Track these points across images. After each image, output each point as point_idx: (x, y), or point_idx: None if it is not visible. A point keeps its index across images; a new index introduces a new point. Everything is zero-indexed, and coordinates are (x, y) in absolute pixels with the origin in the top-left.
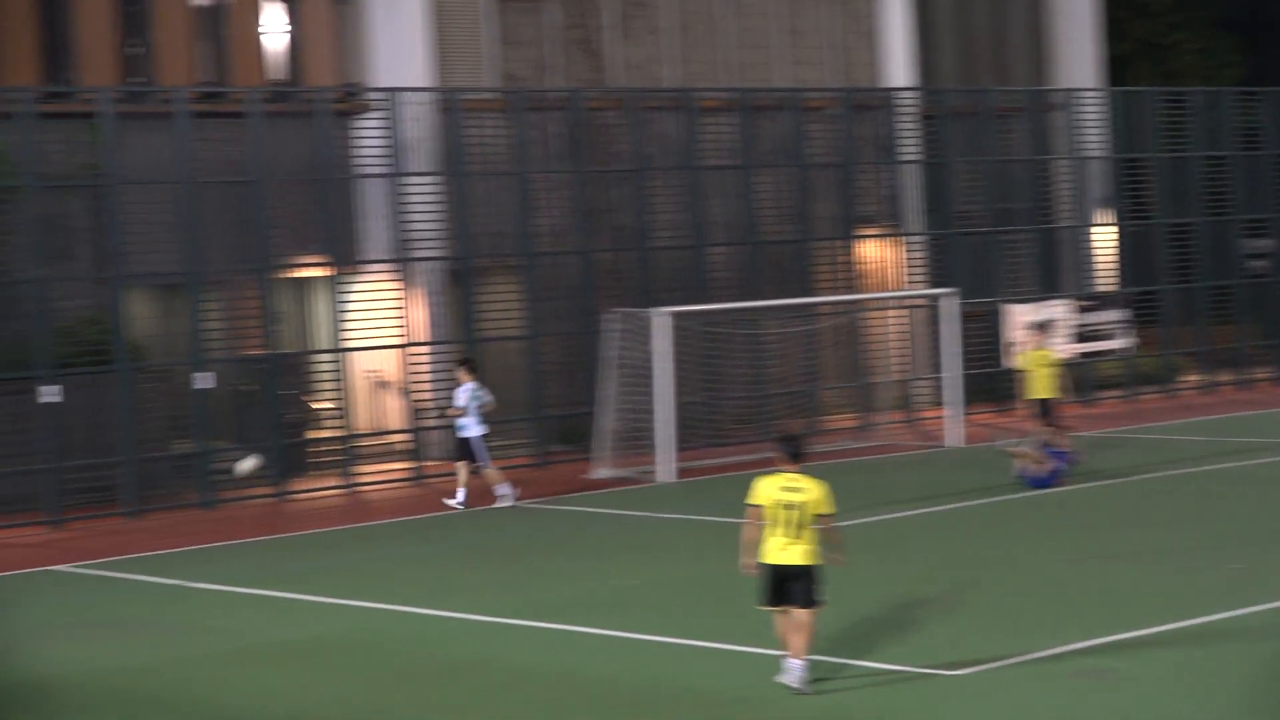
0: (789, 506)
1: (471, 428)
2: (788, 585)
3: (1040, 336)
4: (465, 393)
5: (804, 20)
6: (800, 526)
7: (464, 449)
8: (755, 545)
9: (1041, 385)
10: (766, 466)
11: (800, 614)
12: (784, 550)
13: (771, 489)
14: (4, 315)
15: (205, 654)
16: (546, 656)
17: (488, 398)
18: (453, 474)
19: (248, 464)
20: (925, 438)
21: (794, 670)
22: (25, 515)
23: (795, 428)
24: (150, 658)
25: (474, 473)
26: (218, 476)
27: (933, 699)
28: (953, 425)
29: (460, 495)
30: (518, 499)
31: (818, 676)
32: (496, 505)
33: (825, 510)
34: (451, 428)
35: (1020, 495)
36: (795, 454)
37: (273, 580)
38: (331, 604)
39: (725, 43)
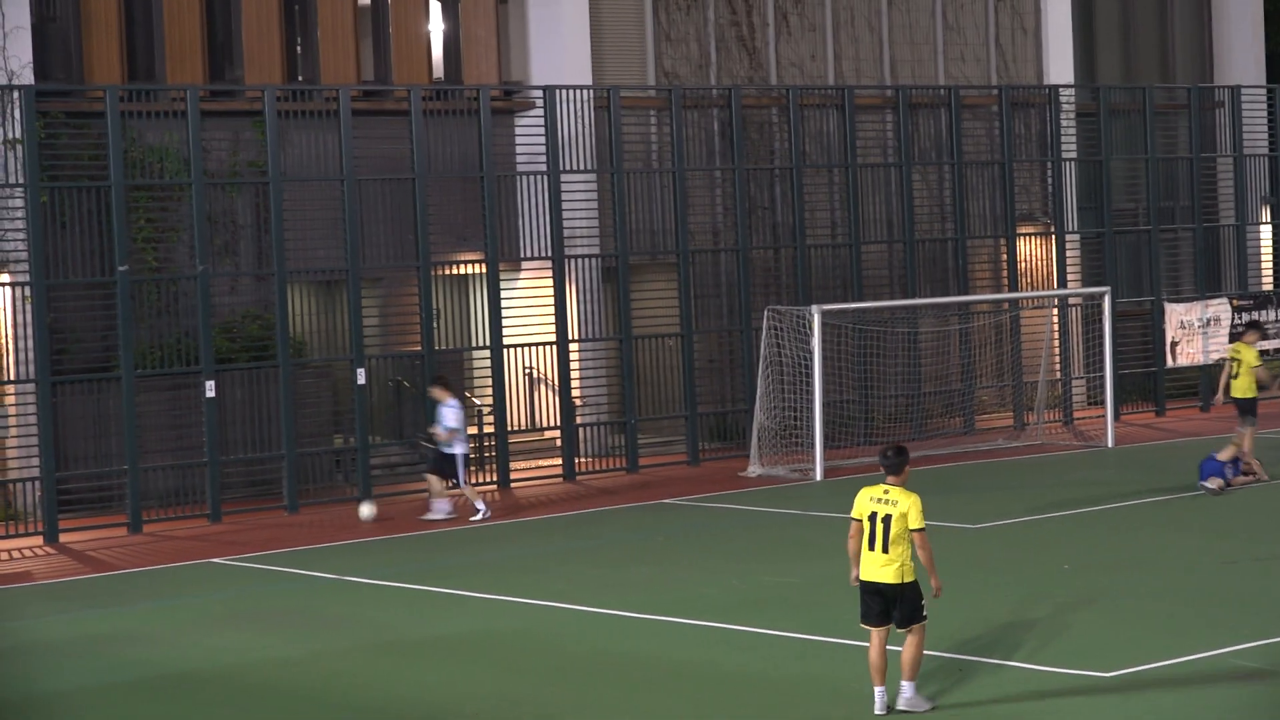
0: (881, 519)
1: (457, 444)
2: (884, 603)
3: (1254, 335)
4: (453, 411)
5: (963, 16)
6: (892, 541)
7: (445, 465)
8: (858, 558)
9: (1246, 385)
10: (920, 465)
11: (903, 633)
12: (879, 566)
13: (865, 500)
14: (168, 311)
15: (355, 647)
16: (696, 653)
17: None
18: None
19: (366, 510)
20: (1081, 437)
21: (904, 694)
22: (185, 508)
23: (899, 443)
24: (301, 650)
25: (451, 487)
26: (376, 471)
27: (1087, 701)
28: (1109, 425)
29: (481, 508)
30: (488, 518)
31: (975, 680)
32: (473, 519)
33: (915, 525)
34: (434, 446)
35: (1176, 496)
36: (890, 466)
37: (426, 575)
38: (483, 599)
39: (883, 39)
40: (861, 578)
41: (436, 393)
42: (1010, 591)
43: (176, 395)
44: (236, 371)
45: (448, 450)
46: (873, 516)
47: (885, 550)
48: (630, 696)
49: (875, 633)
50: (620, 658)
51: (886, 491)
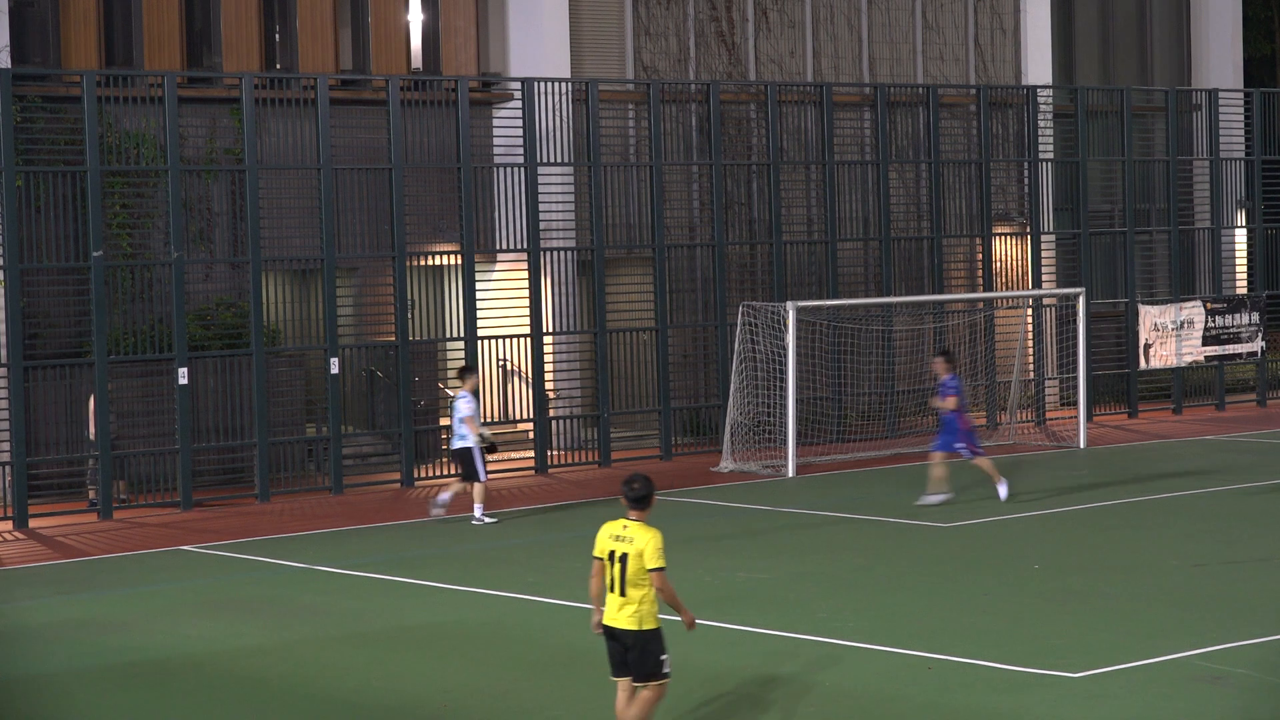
0: (619, 558)
1: (469, 438)
2: (624, 651)
3: None
4: (465, 401)
5: (943, 16)
6: (629, 583)
7: (465, 462)
8: (600, 599)
9: None
10: (895, 463)
11: (638, 688)
12: (615, 610)
13: (605, 537)
14: (142, 297)
15: (327, 637)
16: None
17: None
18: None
19: (444, 498)
20: (1054, 438)
21: None
22: (156, 495)
23: (644, 474)
24: (271, 639)
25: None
26: (348, 461)
27: (1055, 700)
28: (1081, 426)
29: (478, 511)
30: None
31: (945, 679)
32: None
33: (651, 564)
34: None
35: (1147, 498)
36: (633, 498)
37: (397, 566)
38: (454, 590)
39: (862, 37)
40: (604, 622)
41: (459, 383)
42: (980, 590)
43: (149, 382)
44: (210, 359)
45: (461, 445)
46: (611, 555)
47: (623, 593)
48: (601, 690)
49: (620, 684)
50: (591, 651)
51: (625, 527)
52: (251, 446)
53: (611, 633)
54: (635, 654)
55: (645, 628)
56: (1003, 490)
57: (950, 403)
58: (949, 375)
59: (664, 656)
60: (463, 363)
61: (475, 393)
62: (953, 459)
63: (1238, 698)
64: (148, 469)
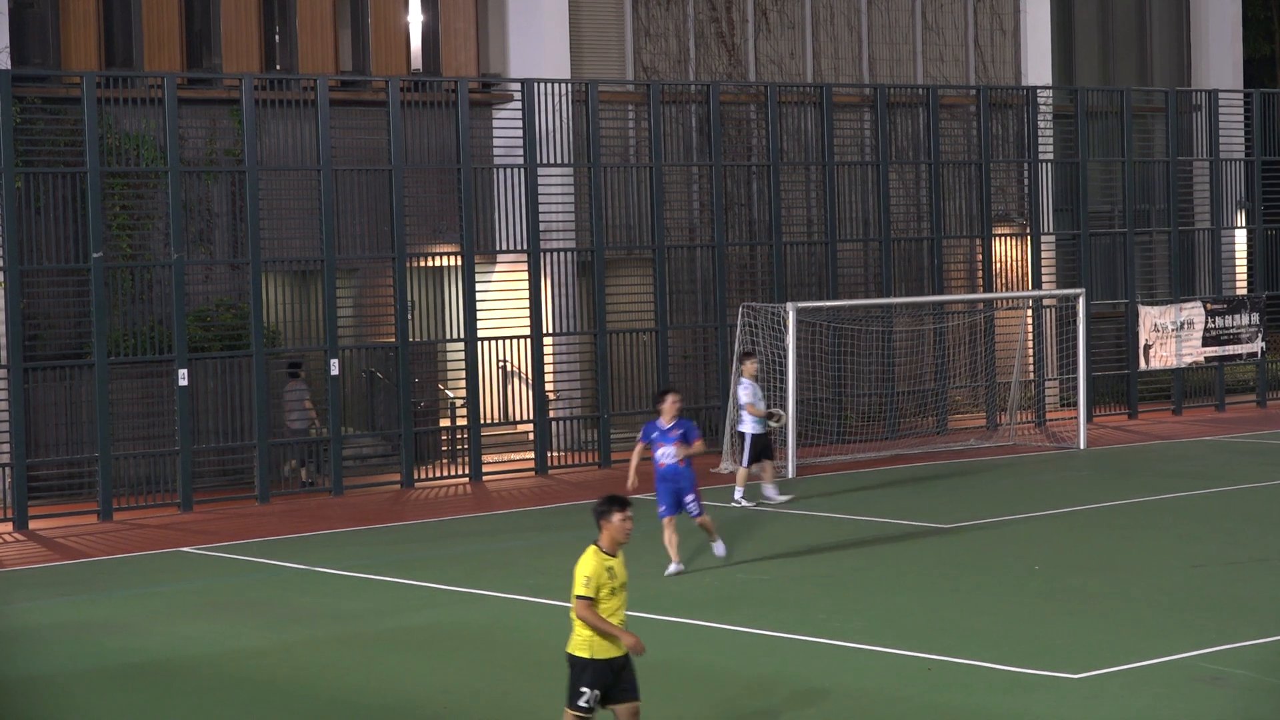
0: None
1: (747, 422)
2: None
3: None
4: (745, 389)
5: (943, 17)
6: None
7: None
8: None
9: None
10: (894, 464)
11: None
12: (572, 633)
13: None
14: (142, 298)
15: (326, 638)
16: (668, 649)
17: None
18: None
19: (782, 414)
20: (1054, 439)
21: None
22: (156, 496)
23: (611, 493)
24: (270, 641)
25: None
26: (348, 463)
27: (1054, 701)
28: (1081, 427)
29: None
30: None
31: (944, 679)
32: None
33: (576, 591)
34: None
35: (1147, 499)
36: (595, 518)
37: (396, 567)
38: (453, 591)
39: (862, 38)
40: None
41: (743, 367)
42: (980, 591)
43: (149, 383)
44: (210, 360)
45: (743, 430)
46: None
47: (570, 618)
48: None
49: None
50: None
51: (586, 551)
52: (252, 448)
53: (567, 658)
54: (570, 678)
55: (571, 652)
56: (720, 549)
57: (680, 450)
58: (676, 420)
59: (583, 690)
60: (747, 349)
61: (755, 378)
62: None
63: (1237, 698)
64: (147, 470)
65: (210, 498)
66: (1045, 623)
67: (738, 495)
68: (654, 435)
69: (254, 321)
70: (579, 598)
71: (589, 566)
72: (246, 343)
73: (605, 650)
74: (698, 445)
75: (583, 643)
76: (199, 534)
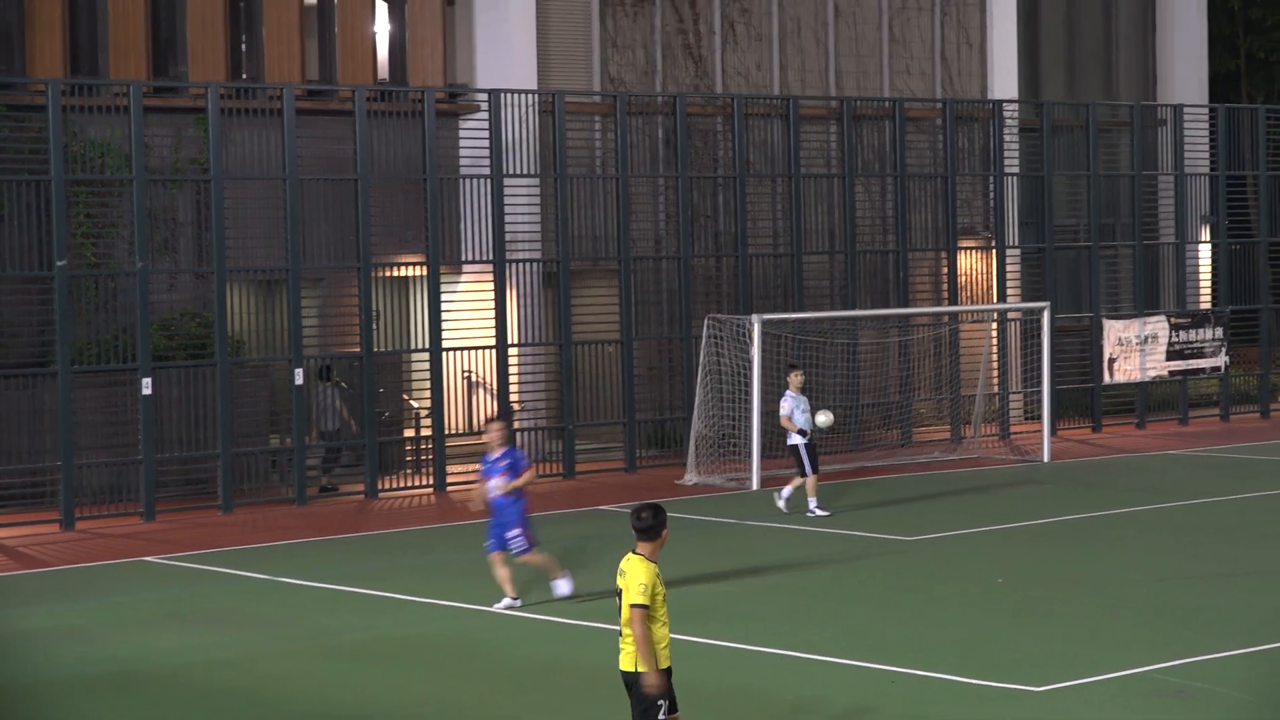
0: (617, 595)
1: (793, 436)
2: (630, 694)
3: None
4: (788, 401)
5: (909, 30)
6: (625, 621)
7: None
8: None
9: None
10: (858, 476)
11: None
12: (621, 651)
13: (618, 573)
14: (105, 307)
15: (291, 650)
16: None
17: None
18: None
19: (824, 419)
20: (1018, 452)
21: None
22: (120, 506)
23: (655, 503)
24: (236, 652)
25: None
26: (312, 472)
27: (1018, 714)
28: (1045, 440)
29: (812, 508)
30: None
31: (907, 693)
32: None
33: (630, 599)
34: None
35: (1111, 512)
36: (640, 530)
37: (359, 578)
38: (418, 602)
39: (829, 51)
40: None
41: (789, 379)
42: (943, 604)
43: (112, 392)
44: (174, 369)
45: (792, 443)
46: (616, 591)
47: (622, 633)
48: (566, 703)
49: None
50: (556, 664)
51: (628, 560)
52: (215, 457)
53: (621, 676)
54: (632, 696)
55: (641, 668)
56: (563, 586)
57: (503, 483)
58: (506, 448)
59: (661, 703)
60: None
61: (802, 390)
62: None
63: (1199, 712)
64: (110, 480)
65: (174, 507)
66: (1008, 636)
67: (812, 506)
68: (485, 466)
69: (218, 331)
70: (637, 606)
71: (645, 574)
72: (211, 352)
73: (666, 657)
74: (525, 476)
75: (652, 651)
76: (162, 543)
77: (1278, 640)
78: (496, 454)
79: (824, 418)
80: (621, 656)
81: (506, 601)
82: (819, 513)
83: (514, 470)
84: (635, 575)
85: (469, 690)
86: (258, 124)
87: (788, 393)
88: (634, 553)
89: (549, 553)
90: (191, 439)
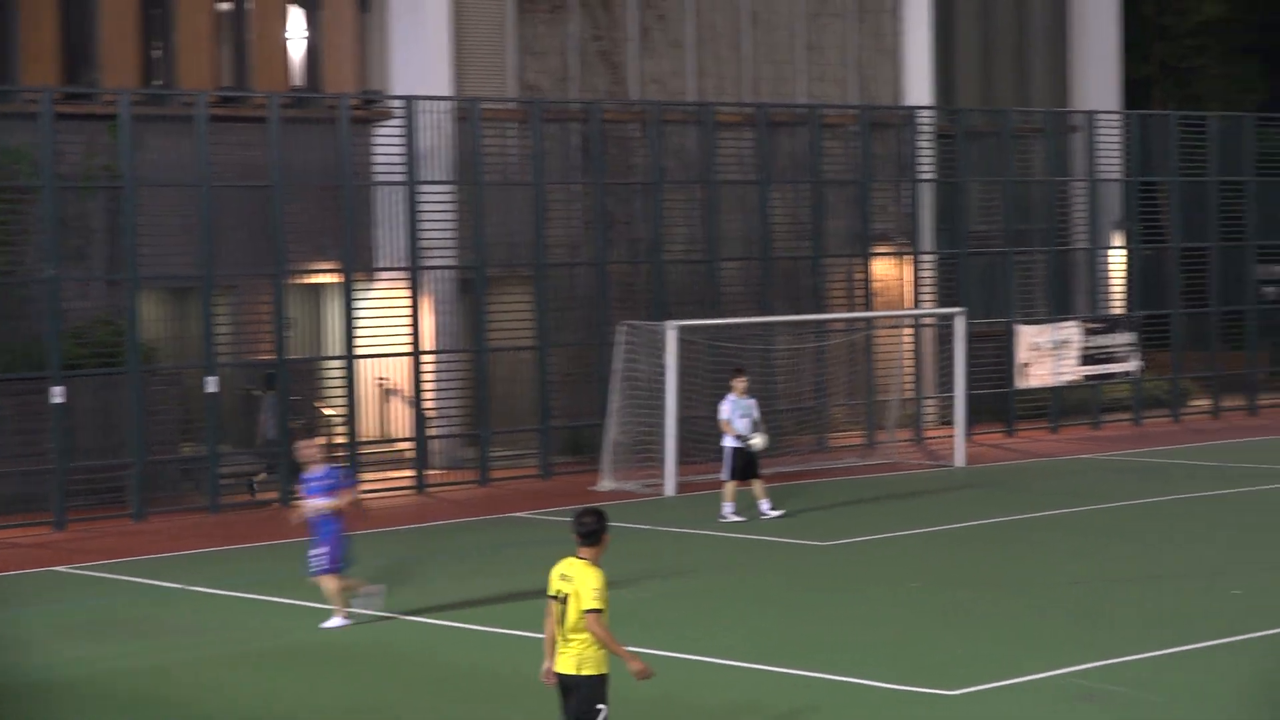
0: (562, 600)
1: (728, 437)
2: (568, 698)
3: None
4: (726, 404)
5: (825, 37)
6: (571, 627)
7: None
8: (553, 646)
9: None
10: (773, 482)
11: None
12: (561, 653)
13: (555, 576)
14: (16, 315)
15: (205, 658)
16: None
17: None
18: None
19: (760, 441)
20: (932, 457)
21: None
22: (30, 515)
23: (598, 507)
24: (150, 660)
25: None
26: (225, 480)
27: (932, 717)
28: (960, 445)
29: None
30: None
31: (821, 697)
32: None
33: (586, 604)
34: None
35: (1026, 516)
36: (583, 534)
37: (274, 585)
38: (329, 611)
39: (745, 57)
40: (553, 669)
41: (733, 383)
42: (858, 608)
43: (24, 400)
44: (86, 378)
45: (724, 444)
46: (556, 595)
47: (565, 636)
48: (481, 709)
49: None
50: (470, 671)
51: (571, 565)
52: (128, 466)
53: (558, 678)
54: (574, 699)
55: (584, 672)
56: (335, 621)
57: (321, 503)
58: (325, 468)
59: (600, 706)
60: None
61: (745, 394)
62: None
63: (1111, 714)
64: (21, 489)
65: (85, 516)
66: (923, 639)
67: (726, 510)
68: (305, 485)
69: (131, 338)
70: (594, 611)
71: (598, 579)
72: (123, 360)
73: (607, 662)
74: (344, 496)
75: (601, 659)
76: (73, 552)
77: (1189, 643)
78: (315, 472)
79: (759, 440)
80: (561, 659)
81: (338, 621)
82: (732, 518)
83: (333, 489)
84: (588, 581)
85: (378, 697)
86: (171, 131)
87: (730, 396)
88: (577, 558)
89: (354, 577)
90: (104, 447)
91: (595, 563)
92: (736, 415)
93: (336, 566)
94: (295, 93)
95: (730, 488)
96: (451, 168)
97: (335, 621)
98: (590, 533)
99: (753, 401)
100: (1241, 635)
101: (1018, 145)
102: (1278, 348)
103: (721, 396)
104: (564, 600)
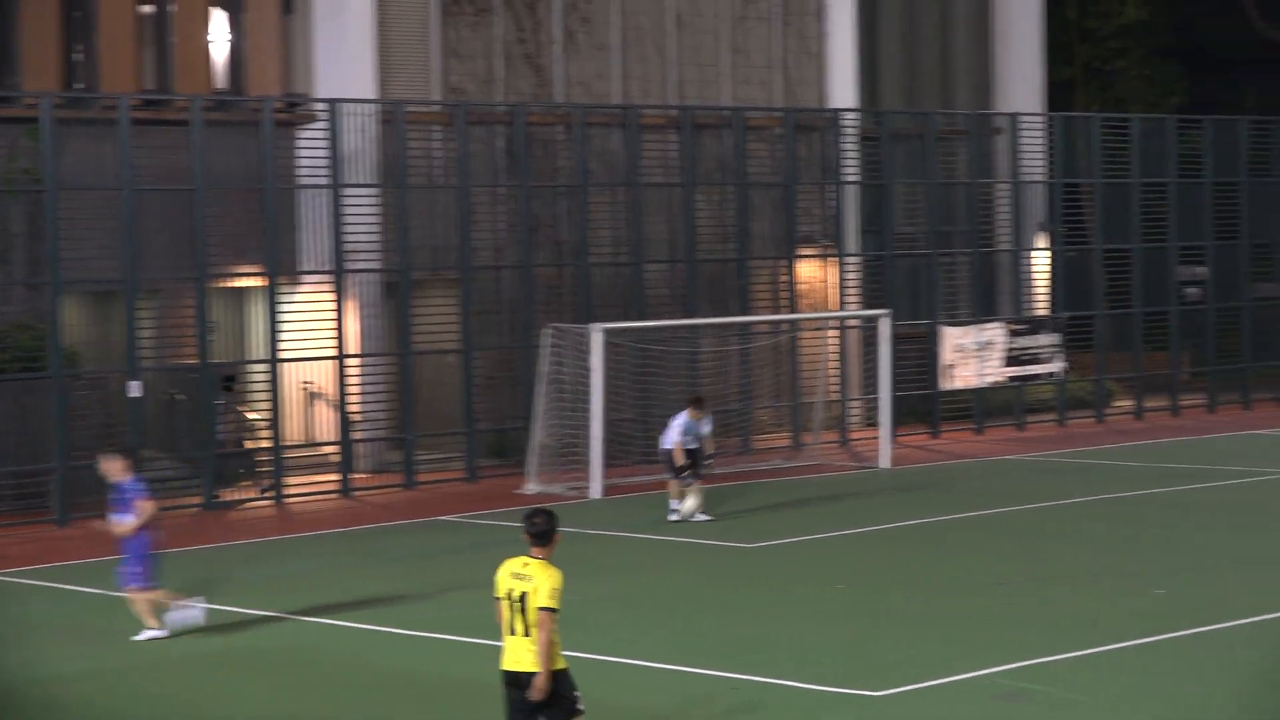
0: (518, 598)
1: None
2: (524, 695)
3: None
4: (676, 420)
5: (749, 40)
6: (533, 624)
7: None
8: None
9: None
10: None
11: None
12: (522, 652)
13: (506, 576)
14: None
15: (127, 664)
16: (470, 670)
17: None
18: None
19: (689, 505)
20: (857, 458)
21: None
22: None
23: (548, 508)
24: (72, 667)
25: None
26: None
27: (861, 719)
28: (885, 446)
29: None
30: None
31: (748, 699)
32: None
33: (542, 602)
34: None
35: (949, 517)
36: (535, 534)
37: (197, 590)
38: (256, 615)
39: (670, 60)
40: (500, 667)
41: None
42: (784, 610)
43: None
44: (7, 382)
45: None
46: (509, 595)
47: (526, 633)
48: (405, 714)
49: None
50: (395, 675)
51: (526, 565)
52: (50, 471)
53: (514, 678)
54: (545, 699)
55: (554, 668)
56: (182, 616)
57: (122, 521)
58: (128, 482)
59: (577, 693)
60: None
61: (697, 420)
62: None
63: (1036, 714)
64: None
65: (7, 521)
66: (849, 641)
67: (674, 506)
68: (112, 501)
69: (52, 343)
70: (551, 610)
71: (557, 579)
72: (45, 364)
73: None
74: (140, 513)
75: (557, 655)
76: None
77: (1114, 642)
78: (121, 487)
79: (692, 502)
80: (524, 658)
81: (150, 633)
82: (673, 518)
83: (133, 504)
84: (546, 580)
85: (302, 702)
86: (93, 134)
87: (683, 415)
88: (531, 558)
89: (174, 590)
90: (25, 452)
91: (550, 562)
92: (688, 436)
93: (145, 581)
94: (218, 96)
95: (676, 486)
96: (376, 171)
97: (147, 634)
98: (542, 533)
99: (706, 418)
100: (1166, 634)
101: (942, 147)
102: (1200, 349)
103: (645, 399)
104: (522, 599)
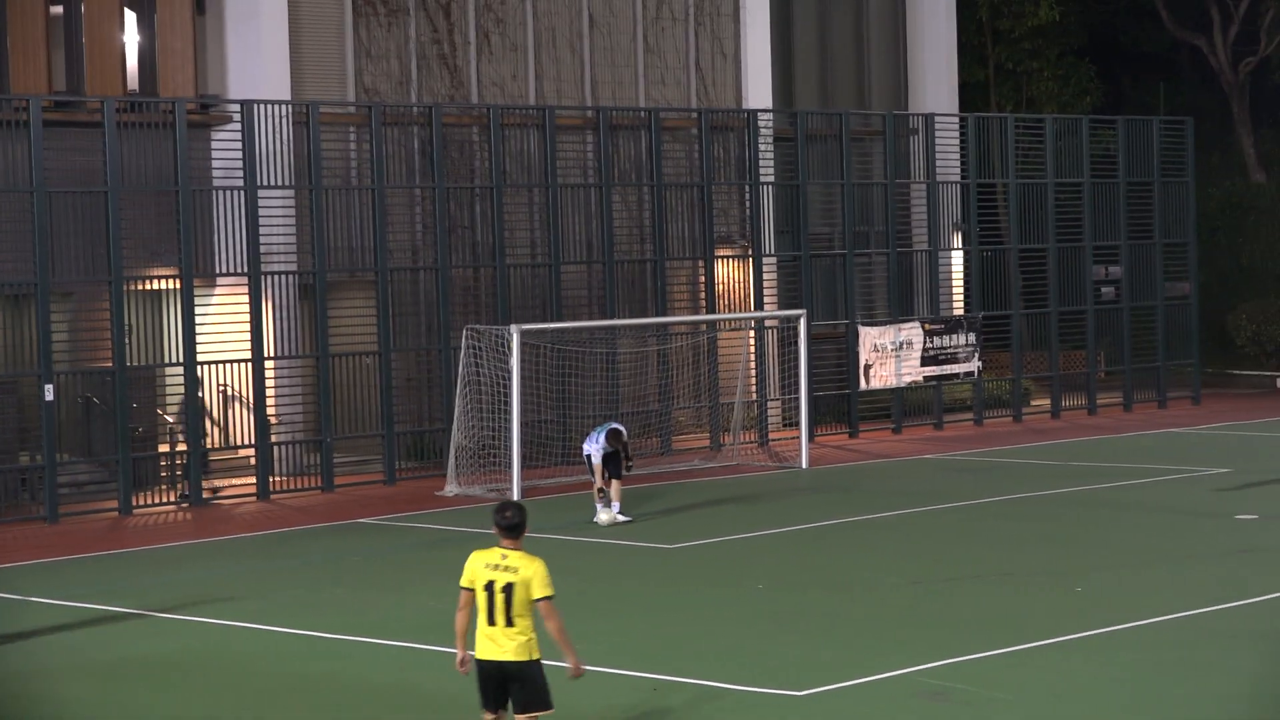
0: (501, 589)
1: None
2: (505, 686)
3: None
4: (595, 443)
5: (664, 40)
6: (516, 614)
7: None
8: (465, 635)
9: None
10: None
11: None
12: (502, 641)
13: (479, 566)
14: None
15: (45, 669)
16: (393, 674)
17: None
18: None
19: (604, 516)
20: (776, 458)
21: None
22: None
23: (518, 501)
24: None
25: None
26: (64, 490)
27: (779, 719)
28: (803, 446)
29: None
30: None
31: (669, 700)
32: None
33: (541, 593)
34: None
35: (867, 517)
36: (507, 527)
37: (114, 595)
38: (175, 620)
39: (584, 61)
40: (478, 657)
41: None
42: (704, 611)
43: None
44: None
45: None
46: (489, 586)
47: (509, 624)
48: (335, 717)
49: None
50: (316, 680)
51: (505, 556)
52: None
53: (495, 667)
54: (520, 686)
55: (534, 658)
56: None
57: None
58: None
59: (548, 686)
60: None
61: (614, 448)
62: None
63: (958, 713)
64: None
65: None
66: (769, 641)
67: (615, 509)
68: None
69: None
70: (549, 599)
71: (544, 567)
72: None
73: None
74: None
75: (537, 645)
76: None
77: (1034, 640)
78: None
79: (605, 516)
80: (509, 647)
81: None
82: (622, 518)
83: None
84: (535, 570)
85: (222, 707)
86: (3, 136)
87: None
88: (509, 550)
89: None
90: None
91: (527, 552)
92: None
93: None
94: (131, 97)
95: (616, 487)
96: (291, 172)
97: None
98: (515, 525)
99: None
100: (1085, 632)
101: (857, 148)
102: (1115, 347)
103: (563, 400)
104: (507, 590)
